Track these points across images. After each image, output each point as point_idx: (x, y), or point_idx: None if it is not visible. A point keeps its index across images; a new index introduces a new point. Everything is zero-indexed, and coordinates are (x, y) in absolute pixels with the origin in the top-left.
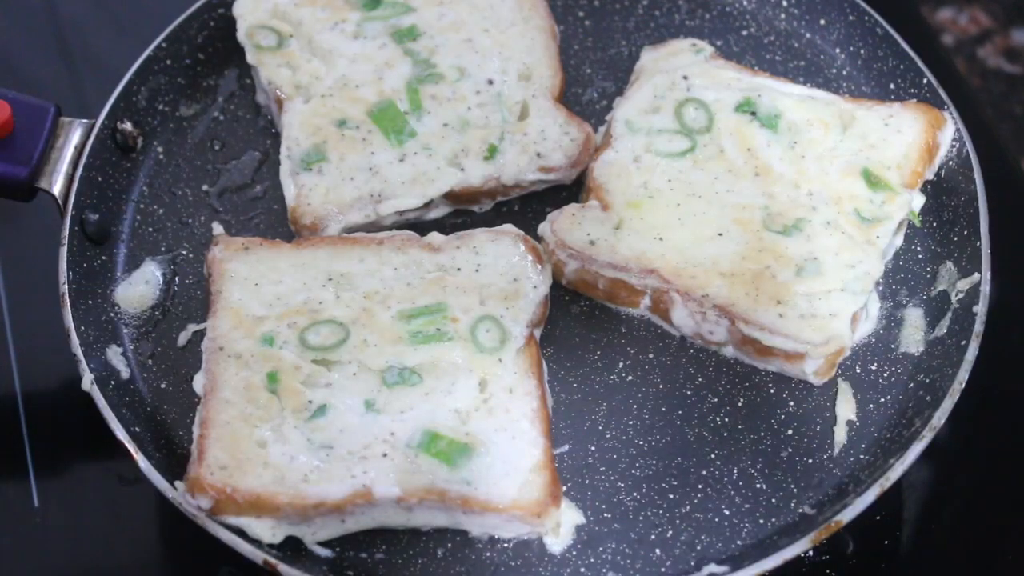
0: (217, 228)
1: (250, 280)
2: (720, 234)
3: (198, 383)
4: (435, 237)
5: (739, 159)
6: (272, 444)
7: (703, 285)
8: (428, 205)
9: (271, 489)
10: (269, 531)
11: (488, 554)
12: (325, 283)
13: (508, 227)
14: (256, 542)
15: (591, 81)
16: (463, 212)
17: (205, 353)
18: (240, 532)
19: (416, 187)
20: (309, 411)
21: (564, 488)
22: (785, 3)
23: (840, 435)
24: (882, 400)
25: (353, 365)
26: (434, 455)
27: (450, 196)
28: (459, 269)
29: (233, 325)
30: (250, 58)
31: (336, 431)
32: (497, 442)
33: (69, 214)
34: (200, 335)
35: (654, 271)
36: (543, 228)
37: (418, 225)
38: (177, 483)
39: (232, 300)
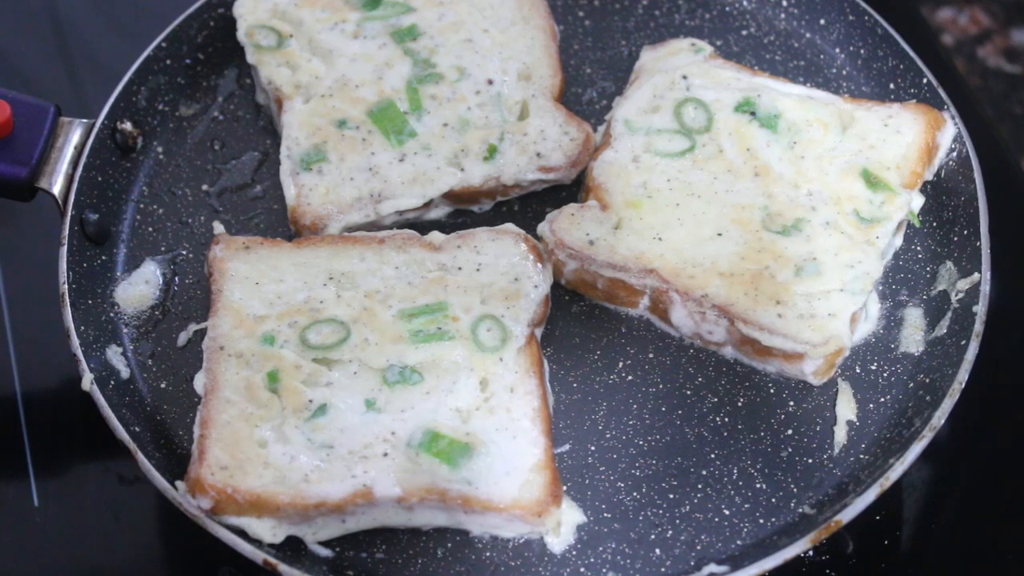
0: (218, 227)
1: (251, 279)
2: (719, 234)
3: (199, 382)
4: (436, 236)
5: (738, 159)
6: (273, 444)
7: (702, 285)
8: (428, 205)
9: (272, 489)
10: (270, 531)
11: (488, 554)
12: (326, 282)
13: (509, 226)
14: (256, 542)
15: (591, 81)
16: (463, 212)
17: (206, 352)
18: (240, 532)
19: (416, 187)
20: (310, 410)
21: (564, 488)
22: (785, 3)
23: (840, 435)
24: (882, 400)
25: (354, 364)
26: (435, 455)
27: (450, 196)
28: (460, 268)
29: (234, 324)
30: (250, 58)
31: (337, 431)
32: (498, 441)
33: (69, 214)
34: (200, 335)
35: (653, 271)
36: (542, 228)
37: (417, 225)
38: (178, 483)
39: (233, 299)
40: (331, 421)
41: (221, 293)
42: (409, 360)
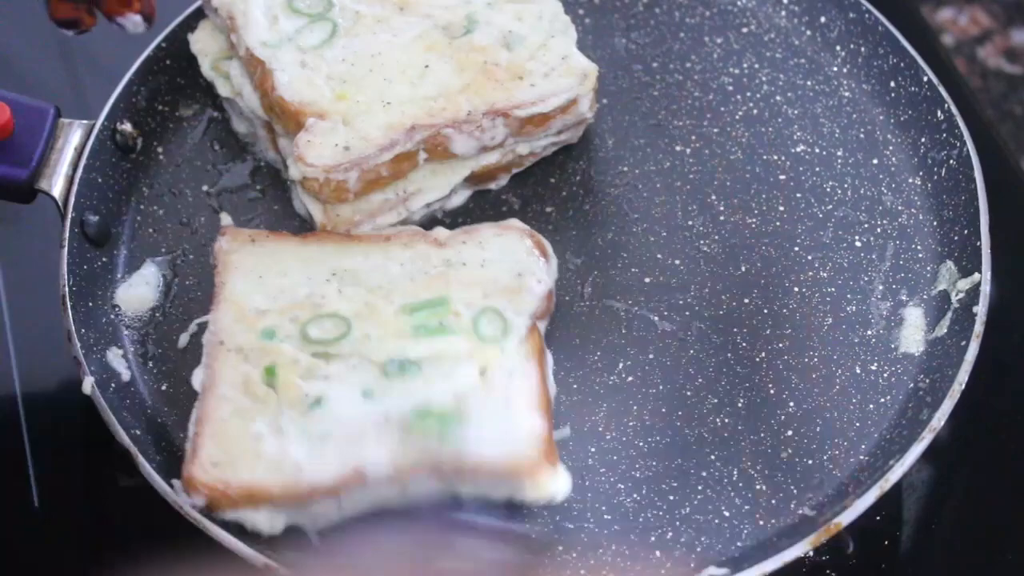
0: (226, 219)
1: (255, 272)
2: (426, 66)
3: (197, 378)
4: (441, 232)
5: (376, 7)
6: (267, 437)
7: (456, 108)
8: (451, 192)
9: (264, 481)
10: (267, 521)
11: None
12: (329, 278)
13: (514, 222)
14: (256, 542)
15: None
16: (481, 193)
17: (206, 347)
18: (239, 531)
19: (440, 177)
20: (306, 404)
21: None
22: (785, 1)
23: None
24: (882, 400)
25: (354, 358)
26: (426, 426)
27: (470, 178)
28: (464, 264)
29: (235, 319)
30: (223, 91)
31: (332, 421)
32: (492, 409)
33: (69, 216)
34: (200, 334)
35: (413, 127)
36: (299, 170)
37: (436, 216)
38: (174, 481)
39: (236, 292)
40: (327, 412)
41: (224, 286)
42: (410, 354)
